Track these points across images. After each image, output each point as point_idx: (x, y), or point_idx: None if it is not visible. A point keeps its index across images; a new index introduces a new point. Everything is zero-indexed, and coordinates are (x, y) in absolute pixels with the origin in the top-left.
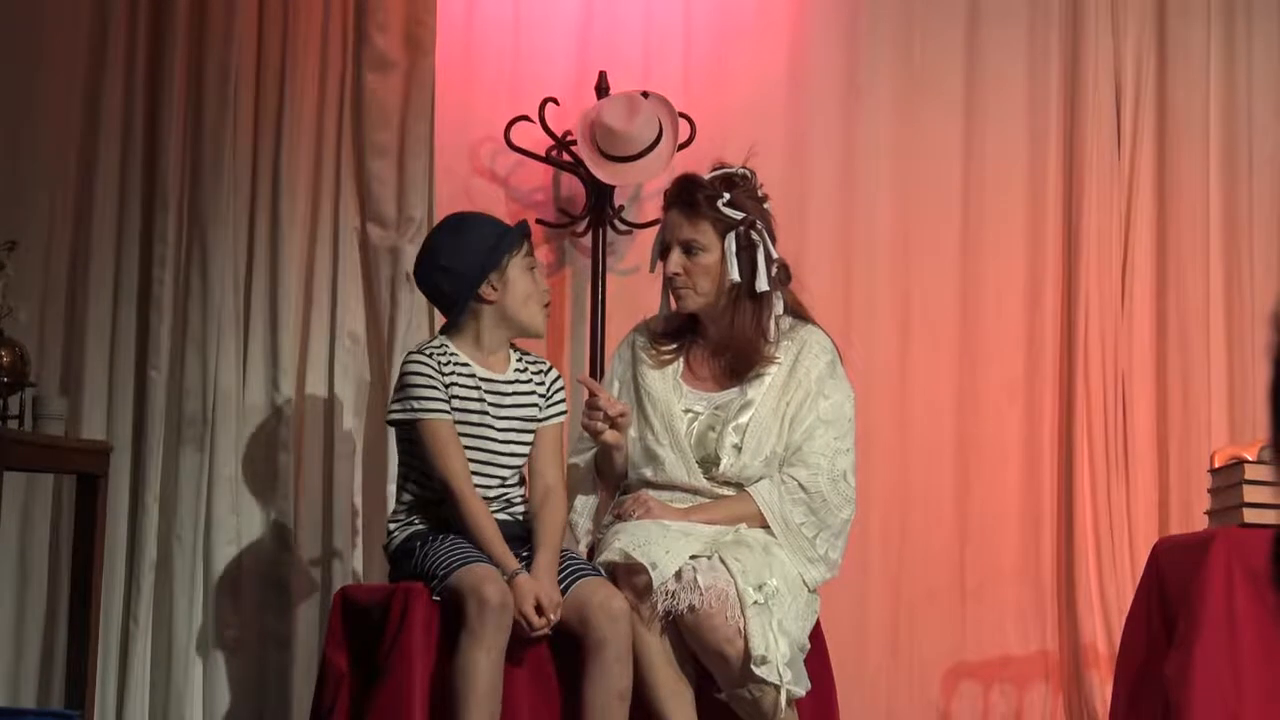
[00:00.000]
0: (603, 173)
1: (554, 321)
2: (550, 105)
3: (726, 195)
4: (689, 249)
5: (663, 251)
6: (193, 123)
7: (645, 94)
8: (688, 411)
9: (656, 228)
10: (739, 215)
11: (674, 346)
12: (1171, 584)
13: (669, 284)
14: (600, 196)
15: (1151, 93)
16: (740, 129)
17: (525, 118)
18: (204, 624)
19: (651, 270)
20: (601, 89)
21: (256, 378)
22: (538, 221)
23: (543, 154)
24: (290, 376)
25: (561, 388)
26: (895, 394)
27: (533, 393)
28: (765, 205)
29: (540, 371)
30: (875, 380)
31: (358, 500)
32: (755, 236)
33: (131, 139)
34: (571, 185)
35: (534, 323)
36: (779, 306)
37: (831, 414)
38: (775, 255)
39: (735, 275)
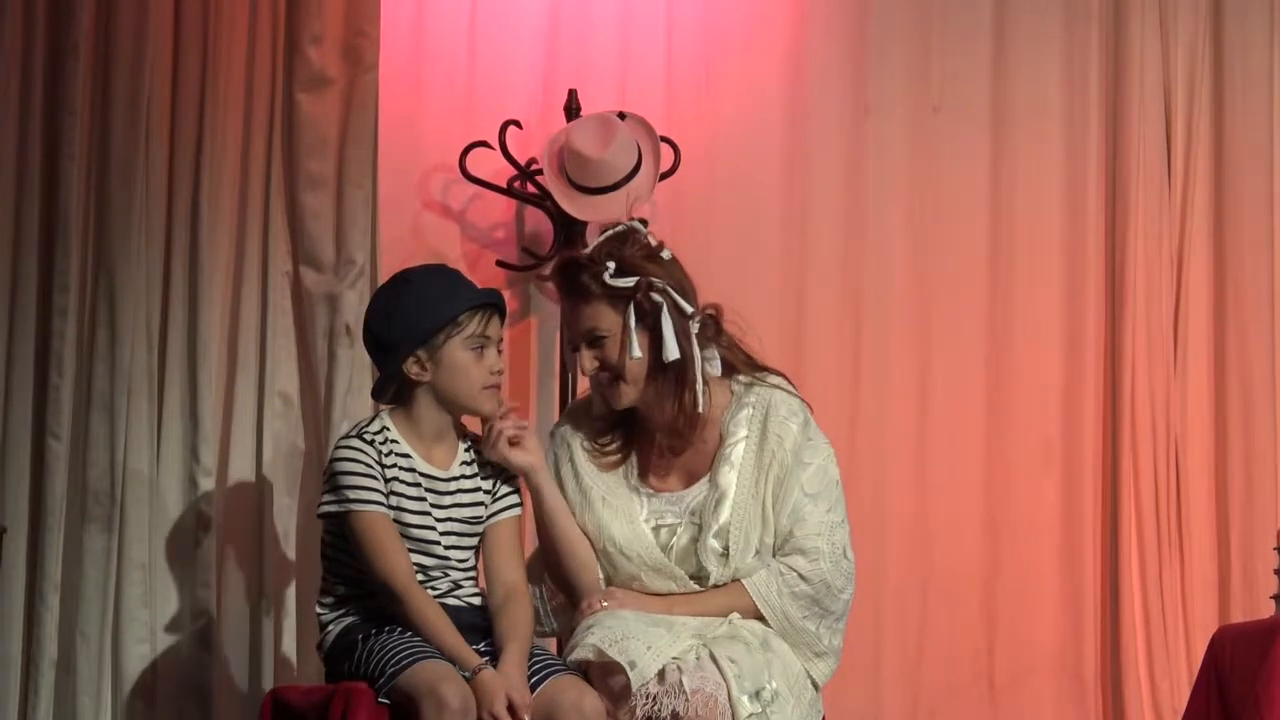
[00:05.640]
0: (573, 206)
1: (518, 379)
2: (512, 129)
3: (610, 265)
4: (593, 340)
5: (571, 352)
6: (98, 151)
7: (622, 115)
8: (660, 527)
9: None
10: (630, 283)
11: (617, 443)
12: (1233, 679)
13: (593, 385)
14: (570, 234)
15: (1206, 111)
16: (730, 155)
17: (483, 143)
18: None
19: (580, 371)
20: (571, 110)
21: (173, 448)
22: (499, 263)
23: (504, 185)
24: (212, 445)
25: (512, 478)
26: (913, 461)
27: (478, 489)
28: (663, 253)
29: (488, 463)
30: (890, 446)
31: (290, 590)
32: (656, 297)
33: (27, 171)
34: (537, 220)
35: (476, 408)
36: (714, 366)
37: (816, 483)
38: (691, 309)
39: (635, 352)
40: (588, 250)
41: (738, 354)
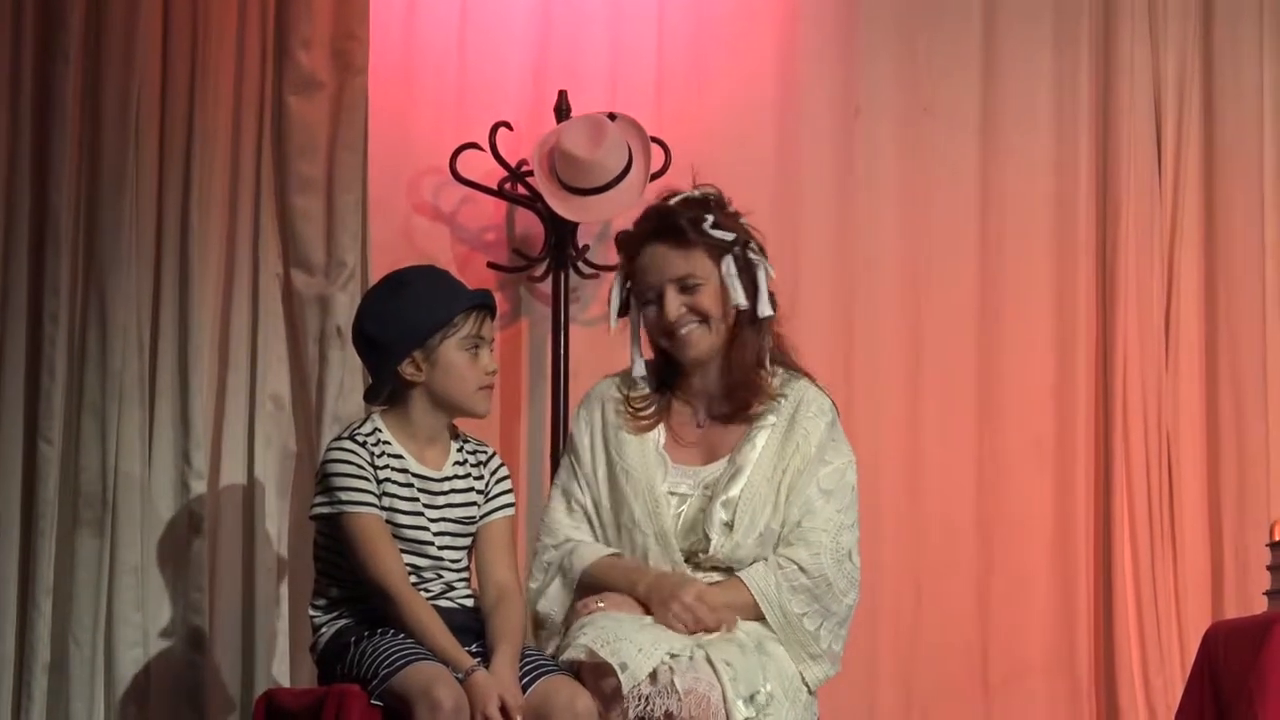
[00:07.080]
0: (564, 207)
1: (509, 381)
2: (502, 130)
3: (710, 217)
4: (686, 285)
5: (653, 297)
6: (88, 155)
7: (612, 116)
8: (673, 494)
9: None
10: (730, 236)
11: (653, 408)
12: (1227, 675)
13: (671, 331)
14: (561, 235)
15: (1196, 110)
16: (721, 156)
17: (474, 145)
18: None
19: (613, 325)
20: (561, 111)
21: (164, 451)
22: (489, 265)
23: (494, 187)
24: (203, 449)
25: (504, 478)
26: (905, 461)
27: (470, 489)
28: (744, 222)
29: (480, 463)
30: (883, 445)
31: (283, 592)
32: (753, 256)
33: (17, 175)
34: (528, 222)
35: (471, 408)
36: (768, 340)
37: (833, 482)
38: (774, 274)
39: (742, 300)
40: (679, 200)
41: (778, 342)
